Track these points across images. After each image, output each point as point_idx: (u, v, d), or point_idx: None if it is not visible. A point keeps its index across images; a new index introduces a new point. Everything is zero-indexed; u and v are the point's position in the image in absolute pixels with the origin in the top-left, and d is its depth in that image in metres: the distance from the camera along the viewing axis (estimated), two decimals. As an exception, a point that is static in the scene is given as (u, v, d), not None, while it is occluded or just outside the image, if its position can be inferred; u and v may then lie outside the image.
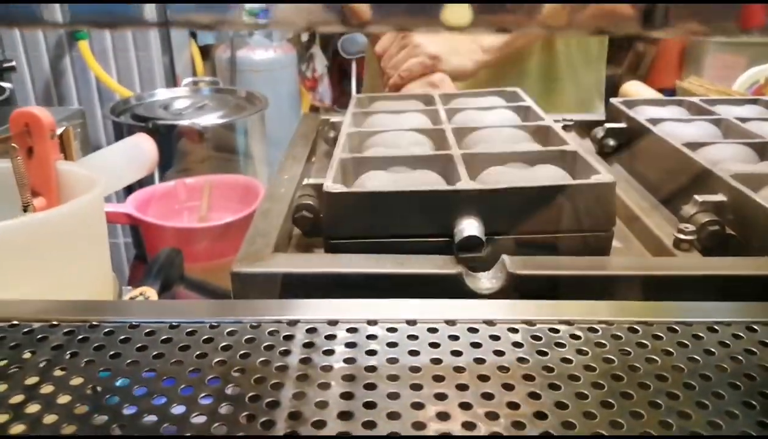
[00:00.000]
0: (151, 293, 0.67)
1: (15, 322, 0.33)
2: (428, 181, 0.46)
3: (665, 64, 2.76)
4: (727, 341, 0.31)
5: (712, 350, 0.31)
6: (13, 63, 1.35)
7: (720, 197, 0.48)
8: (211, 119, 1.18)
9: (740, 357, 0.30)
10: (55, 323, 0.33)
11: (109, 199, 1.03)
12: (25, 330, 0.32)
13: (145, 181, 0.93)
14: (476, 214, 0.42)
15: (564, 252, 0.43)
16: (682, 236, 0.45)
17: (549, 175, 0.45)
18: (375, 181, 0.45)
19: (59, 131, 0.55)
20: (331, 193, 0.42)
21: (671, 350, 0.31)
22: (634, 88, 0.84)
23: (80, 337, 0.32)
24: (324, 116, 0.75)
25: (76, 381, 0.29)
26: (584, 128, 0.71)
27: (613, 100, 0.71)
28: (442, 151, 0.50)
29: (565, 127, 0.71)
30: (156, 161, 0.60)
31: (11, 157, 0.47)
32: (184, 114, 1.20)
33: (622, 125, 0.66)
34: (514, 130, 0.55)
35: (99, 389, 0.28)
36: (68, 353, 0.31)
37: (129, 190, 0.93)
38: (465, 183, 0.43)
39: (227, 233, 0.90)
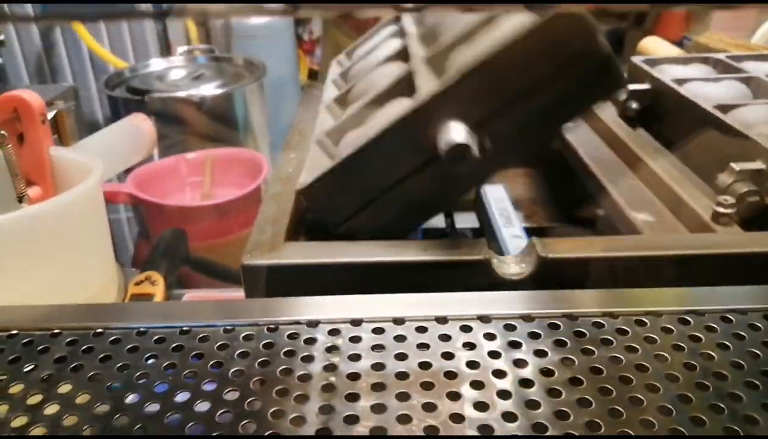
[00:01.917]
0: (157, 277, 0.64)
1: (14, 331, 0.30)
2: (393, 113, 0.40)
3: (672, 16, 2.69)
4: (788, 331, 0.29)
5: (772, 341, 0.28)
6: (2, 37, 1.30)
7: (758, 165, 0.45)
8: (208, 89, 1.14)
9: (805, 350, 0.28)
10: (56, 331, 0.30)
11: (109, 179, 1.00)
12: (25, 341, 0.30)
13: (145, 158, 0.90)
14: (453, 116, 0.36)
15: (563, 107, 0.37)
16: (721, 210, 0.42)
17: (511, 25, 0.37)
18: (349, 146, 0.40)
19: (51, 114, 0.52)
20: (302, 191, 0.39)
21: (727, 343, 0.28)
22: (653, 45, 0.80)
23: (84, 347, 0.29)
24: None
25: (83, 399, 0.26)
26: (603, 91, 0.68)
27: (634, 58, 0.67)
28: (403, 68, 0.44)
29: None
30: (155, 142, 0.57)
31: (1, 145, 0.44)
32: (181, 85, 1.16)
33: (646, 86, 0.62)
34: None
35: (108, 407, 0.26)
36: (72, 365, 0.28)
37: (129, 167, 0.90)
38: (424, 89, 0.37)
39: (232, 209, 0.87)
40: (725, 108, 0.53)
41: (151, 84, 1.15)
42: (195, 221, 0.83)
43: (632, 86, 0.62)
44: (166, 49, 1.59)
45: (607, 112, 0.63)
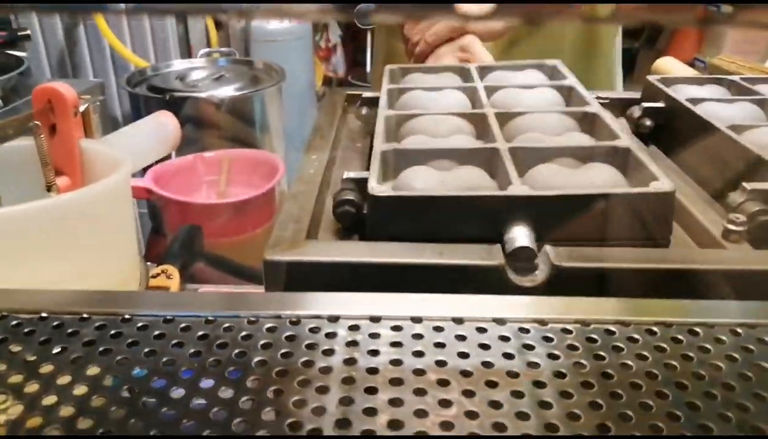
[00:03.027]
0: (172, 271, 0.66)
1: (44, 314, 0.32)
2: (475, 179, 0.44)
3: (684, 37, 2.69)
4: (795, 346, 0.30)
5: (779, 355, 0.29)
6: (28, 32, 1.32)
7: (770, 185, 0.45)
8: (228, 91, 1.16)
9: (811, 365, 0.28)
10: (85, 316, 0.31)
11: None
12: (55, 324, 0.31)
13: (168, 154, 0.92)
14: (527, 220, 0.40)
15: None
16: (732, 227, 0.43)
17: (603, 179, 0.43)
18: (421, 181, 0.43)
19: (83, 108, 0.53)
20: (377, 197, 0.41)
21: (736, 355, 0.29)
22: (669, 65, 0.81)
23: (113, 332, 0.30)
24: (350, 91, 0.72)
25: (111, 381, 0.27)
26: (619, 107, 0.69)
27: (650, 77, 0.68)
28: (488, 143, 0.48)
29: (599, 106, 0.69)
30: (179, 139, 0.59)
31: (34, 135, 0.45)
32: (201, 86, 1.18)
33: (661, 105, 0.63)
34: (559, 115, 0.52)
35: (135, 390, 0.27)
36: (101, 348, 0.29)
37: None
38: (517, 188, 0.41)
39: (246, 208, 0.88)
40: (739, 128, 0.53)
41: (172, 83, 1.17)
42: (211, 219, 0.84)
43: (647, 104, 0.63)
44: (186, 51, 1.62)
45: (623, 127, 0.64)
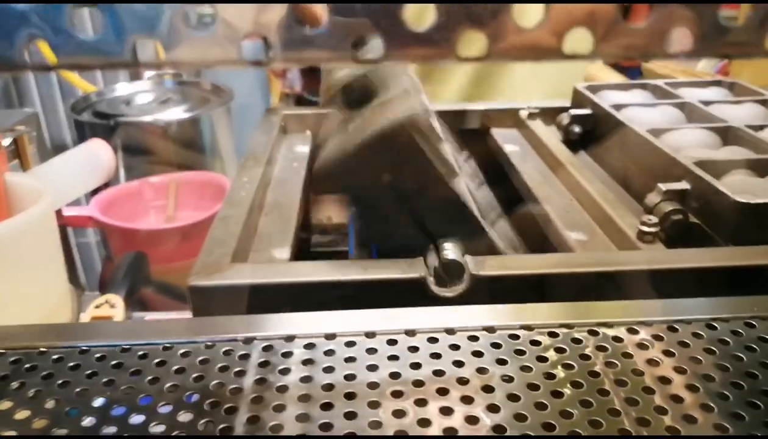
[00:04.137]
0: (116, 300, 0.65)
1: (-42, 352, 0.32)
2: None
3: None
4: (688, 341, 0.31)
5: (672, 350, 0.31)
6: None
7: (684, 185, 0.48)
8: (175, 114, 1.15)
9: (700, 358, 0.30)
10: (1, 351, 0.31)
11: (76, 202, 1.00)
12: (-31, 361, 0.31)
13: (109, 182, 0.91)
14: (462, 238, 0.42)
15: None
16: (645, 228, 0.44)
17: None
18: None
19: (11, 138, 0.53)
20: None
21: (631, 352, 0.30)
22: (598, 71, 0.84)
23: (27, 366, 0.30)
24: (287, 111, 0.73)
25: (22, 415, 0.28)
26: (550, 115, 0.71)
27: (577, 85, 0.71)
28: None
29: (530, 116, 0.71)
30: (113, 167, 0.59)
31: (-45, 171, 0.45)
32: (147, 109, 1.17)
33: (587, 112, 0.65)
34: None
35: (46, 422, 0.27)
36: (14, 383, 0.29)
37: (94, 191, 0.91)
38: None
39: (195, 232, 0.88)
40: (657, 132, 0.56)
41: (118, 108, 1.16)
42: (158, 244, 0.84)
43: (574, 111, 0.65)
44: (135, 72, 1.60)
45: (551, 136, 0.66)
